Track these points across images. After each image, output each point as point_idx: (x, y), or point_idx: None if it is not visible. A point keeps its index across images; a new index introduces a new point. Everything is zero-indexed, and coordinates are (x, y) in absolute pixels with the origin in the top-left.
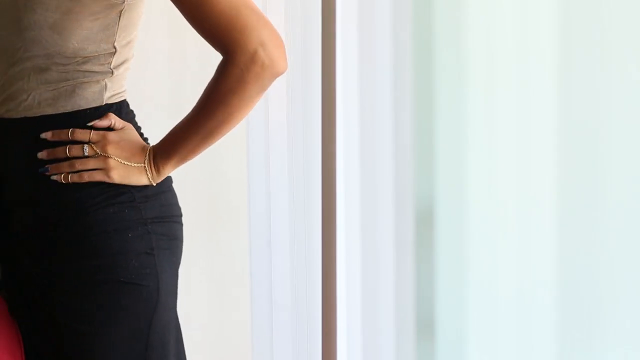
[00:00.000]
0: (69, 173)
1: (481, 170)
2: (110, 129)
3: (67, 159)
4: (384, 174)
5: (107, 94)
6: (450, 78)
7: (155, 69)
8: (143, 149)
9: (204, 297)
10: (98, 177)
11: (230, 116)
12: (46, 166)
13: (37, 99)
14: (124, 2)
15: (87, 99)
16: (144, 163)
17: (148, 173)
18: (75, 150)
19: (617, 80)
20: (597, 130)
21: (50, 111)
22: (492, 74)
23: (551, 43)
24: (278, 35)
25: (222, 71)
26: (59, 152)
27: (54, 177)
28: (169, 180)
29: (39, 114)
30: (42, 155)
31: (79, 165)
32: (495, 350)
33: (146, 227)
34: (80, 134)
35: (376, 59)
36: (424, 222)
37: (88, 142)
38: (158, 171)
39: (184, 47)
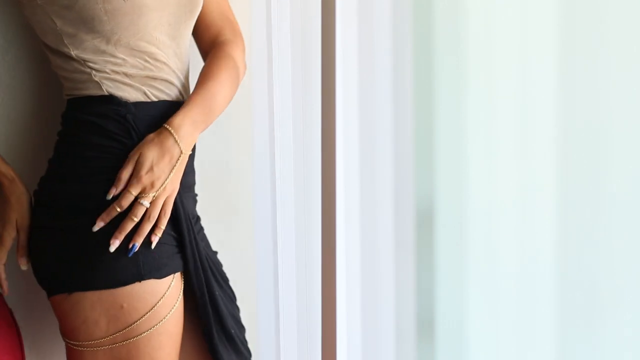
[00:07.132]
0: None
1: (481, 170)
2: None
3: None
4: (384, 174)
5: None
6: (450, 78)
7: None
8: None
9: None
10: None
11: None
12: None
13: None
14: None
15: None
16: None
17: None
18: (137, 211)
19: (617, 81)
20: (597, 130)
21: None
22: (492, 73)
23: (551, 42)
24: None
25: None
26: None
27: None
28: None
29: None
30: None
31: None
32: (495, 350)
33: None
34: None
35: (376, 59)
36: (424, 222)
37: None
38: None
39: None
